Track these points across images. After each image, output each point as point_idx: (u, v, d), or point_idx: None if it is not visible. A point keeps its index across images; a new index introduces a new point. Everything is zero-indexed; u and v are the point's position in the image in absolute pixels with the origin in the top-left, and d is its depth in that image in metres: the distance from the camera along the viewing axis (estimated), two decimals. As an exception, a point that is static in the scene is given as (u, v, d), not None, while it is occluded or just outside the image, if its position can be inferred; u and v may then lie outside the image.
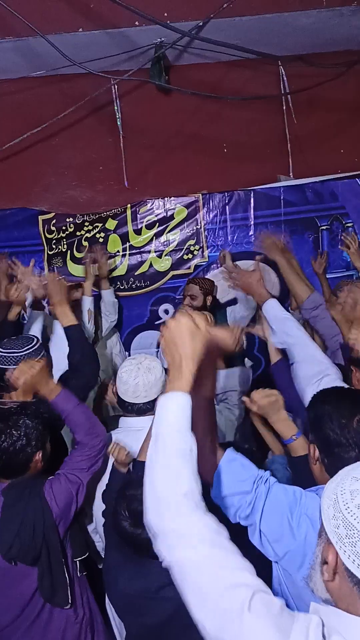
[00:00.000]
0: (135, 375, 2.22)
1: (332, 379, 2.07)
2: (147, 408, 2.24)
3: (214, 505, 1.48)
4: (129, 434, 2.22)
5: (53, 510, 1.88)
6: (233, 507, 1.48)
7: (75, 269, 3.79)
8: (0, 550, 1.86)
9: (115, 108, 3.95)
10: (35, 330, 3.04)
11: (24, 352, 2.36)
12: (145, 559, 1.69)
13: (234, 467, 1.52)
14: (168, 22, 3.28)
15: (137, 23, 3.34)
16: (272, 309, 2.41)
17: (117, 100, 3.95)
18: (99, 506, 2.18)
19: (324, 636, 0.94)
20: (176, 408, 1.22)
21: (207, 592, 1.02)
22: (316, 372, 2.10)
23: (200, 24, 3.36)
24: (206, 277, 3.77)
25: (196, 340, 1.28)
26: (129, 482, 1.80)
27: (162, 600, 1.66)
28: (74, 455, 2.07)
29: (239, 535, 1.42)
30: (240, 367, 2.88)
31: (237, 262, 3.71)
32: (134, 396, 2.22)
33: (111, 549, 1.87)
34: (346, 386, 2.00)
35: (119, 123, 3.96)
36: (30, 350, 2.38)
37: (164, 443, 1.19)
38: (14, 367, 2.18)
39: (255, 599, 0.97)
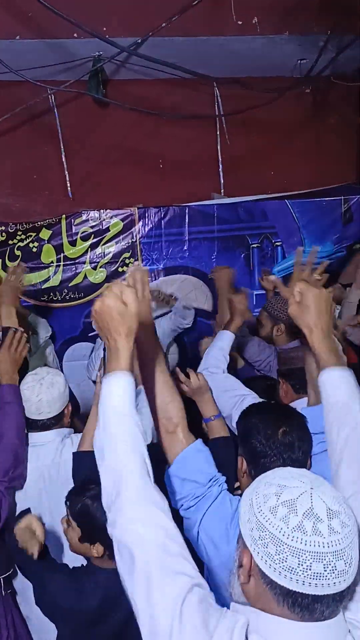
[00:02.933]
0: (37, 392, 2.19)
1: (252, 398, 2.17)
2: (52, 423, 2.23)
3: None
4: (33, 450, 2.20)
5: (-24, 527, 1.82)
6: (180, 494, 1.52)
7: (7, 278, 3.71)
8: None
9: (52, 118, 3.92)
10: None
11: None
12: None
13: (199, 457, 1.56)
14: (107, 36, 3.31)
15: (75, 35, 3.34)
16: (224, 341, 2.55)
17: (54, 110, 3.93)
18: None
19: (246, 636, 0.98)
20: (118, 390, 1.25)
21: (144, 579, 1.04)
22: (235, 397, 2.21)
23: (139, 40, 3.41)
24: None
25: (126, 318, 1.29)
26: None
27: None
28: None
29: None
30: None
31: (178, 277, 3.79)
32: (38, 413, 2.20)
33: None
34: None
35: (59, 132, 3.93)
36: None
37: (110, 425, 1.22)
38: None
39: (191, 593, 1.00)
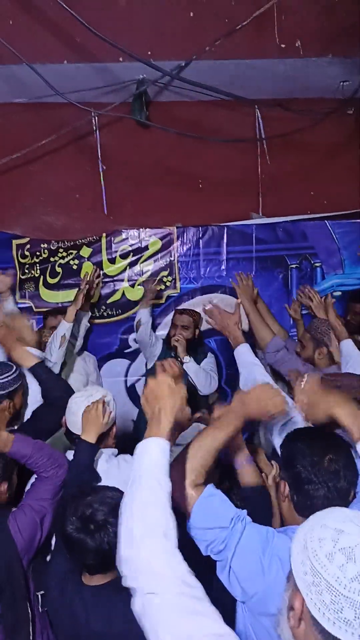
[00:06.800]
0: (85, 408, 2.16)
1: (296, 421, 2.07)
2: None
3: (187, 536, 1.49)
4: None
5: (18, 543, 1.83)
6: (207, 541, 1.50)
7: (48, 295, 3.79)
8: None
9: (95, 139, 4.01)
10: None
11: (1, 380, 2.31)
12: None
13: (213, 502, 1.54)
14: (151, 60, 3.38)
15: (121, 59, 3.42)
16: (243, 354, 2.49)
17: (97, 132, 4.01)
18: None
19: None
20: (154, 453, 1.30)
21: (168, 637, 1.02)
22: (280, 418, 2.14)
23: (182, 64, 3.47)
24: (191, 308, 3.72)
25: (174, 396, 1.42)
26: (79, 487, 1.83)
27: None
28: (37, 486, 2.03)
29: (207, 569, 1.43)
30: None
31: (214, 296, 3.78)
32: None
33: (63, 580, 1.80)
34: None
35: (101, 153, 4.01)
36: (9, 378, 2.33)
37: (143, 486, 1.25)
38: None
39: None
